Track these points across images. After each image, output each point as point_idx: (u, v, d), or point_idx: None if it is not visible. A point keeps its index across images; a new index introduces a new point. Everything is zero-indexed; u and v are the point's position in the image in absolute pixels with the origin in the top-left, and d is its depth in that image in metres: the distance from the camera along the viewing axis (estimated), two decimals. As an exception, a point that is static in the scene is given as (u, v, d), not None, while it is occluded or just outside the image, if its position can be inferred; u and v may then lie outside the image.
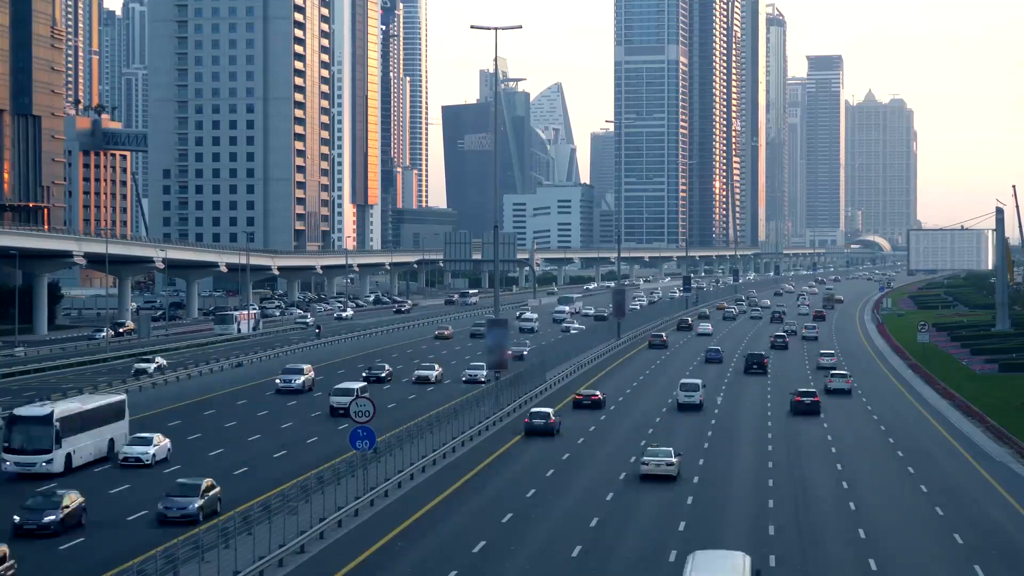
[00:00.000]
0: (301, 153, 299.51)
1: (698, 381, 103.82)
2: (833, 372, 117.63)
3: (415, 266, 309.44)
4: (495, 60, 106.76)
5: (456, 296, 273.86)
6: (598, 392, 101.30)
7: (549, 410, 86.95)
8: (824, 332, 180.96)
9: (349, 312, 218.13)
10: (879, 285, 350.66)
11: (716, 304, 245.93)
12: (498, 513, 60.31)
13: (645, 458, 69.98)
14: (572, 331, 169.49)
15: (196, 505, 57.11)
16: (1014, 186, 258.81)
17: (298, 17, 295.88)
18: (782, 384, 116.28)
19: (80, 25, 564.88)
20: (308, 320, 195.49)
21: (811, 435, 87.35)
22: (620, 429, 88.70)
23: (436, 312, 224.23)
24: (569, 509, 61.67)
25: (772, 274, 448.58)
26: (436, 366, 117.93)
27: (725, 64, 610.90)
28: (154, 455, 72.41)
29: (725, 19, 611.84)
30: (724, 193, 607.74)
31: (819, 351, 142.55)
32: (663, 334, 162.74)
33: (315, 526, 53.69)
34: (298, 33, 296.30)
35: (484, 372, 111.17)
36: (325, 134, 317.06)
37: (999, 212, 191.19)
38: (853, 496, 66.12)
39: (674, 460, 69.54)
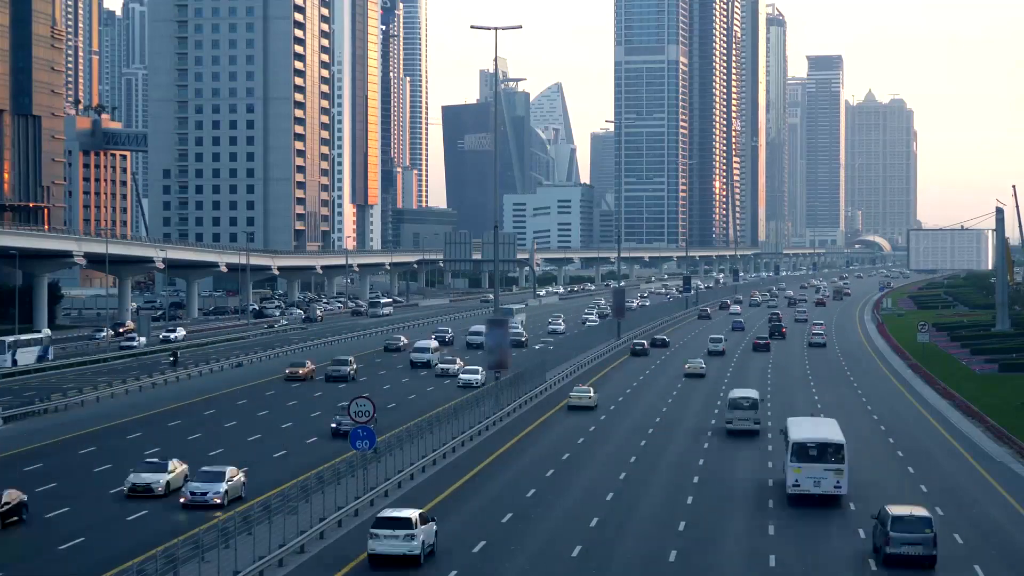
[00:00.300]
0: (301, 153, 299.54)
1: (722, 336, 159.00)
2: (814, 332, 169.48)
3: (415, 266, 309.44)
4: (495, 60, 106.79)
5: (364, 306, 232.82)
6: (666, 337, 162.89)
7: (645, 341, 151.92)
8: (824, 317, 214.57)
9: (180, 332, 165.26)
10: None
11: (749, 292, 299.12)
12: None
13: (687, 364, 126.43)
14: (452, 381, 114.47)
15: None
16: (1014, 186, 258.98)
17: (298, 17, 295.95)
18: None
19: (80, 25, 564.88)
20: (136, 344, 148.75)
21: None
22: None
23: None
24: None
25: (772, 274, 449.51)
26: (173, 464, 65.92)
27: (725, 64, 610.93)
28: None
29: (725, 19, 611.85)
30: (724, 193, 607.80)
31: (813, 321, 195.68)
32: (708, 309, 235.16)
33: (315, 526, 53.71)
34: (298, 33, 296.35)
35: (222, 487, 61.17)
36: (325, 134, 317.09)
37: (999, 212, 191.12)
38: (853, 496, 66.11)
39: (704, 365, 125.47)
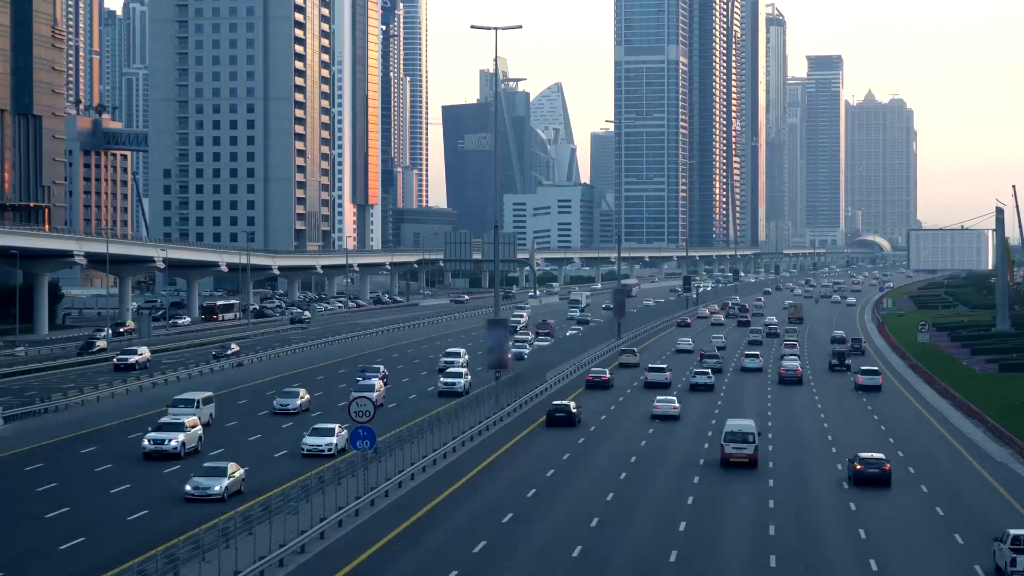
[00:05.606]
0: (301, 153, 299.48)
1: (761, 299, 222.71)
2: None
3: (415, 266, 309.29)
4: (495, 60, 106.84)
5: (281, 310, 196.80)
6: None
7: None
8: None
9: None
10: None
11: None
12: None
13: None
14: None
15: None
16: (1014, 186, 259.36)
17: (298, 17, 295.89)
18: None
19: (81, 25, 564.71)
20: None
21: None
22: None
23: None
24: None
25: (773, 274, 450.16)
26: None
27: (725, 64, 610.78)
28: None
29: (725, 19, 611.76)
30: (724, 193, 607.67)
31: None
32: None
33: (315, 526, 53.71)
34: (298, 33, 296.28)
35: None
36: (325, 134, 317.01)
37: (999, 212, 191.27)
38: (853, 496, 66.20)
39: None
